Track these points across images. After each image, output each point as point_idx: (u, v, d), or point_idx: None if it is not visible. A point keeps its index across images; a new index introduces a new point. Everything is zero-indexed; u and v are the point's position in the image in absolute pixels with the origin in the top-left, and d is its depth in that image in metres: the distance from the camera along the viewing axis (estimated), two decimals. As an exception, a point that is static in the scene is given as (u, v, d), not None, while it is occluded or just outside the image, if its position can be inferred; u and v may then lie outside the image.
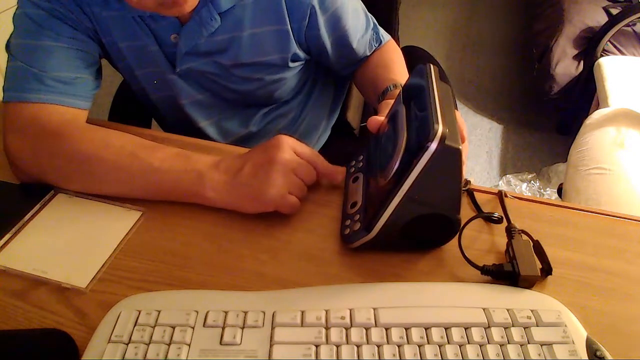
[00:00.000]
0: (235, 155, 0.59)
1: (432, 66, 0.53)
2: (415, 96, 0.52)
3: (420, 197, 0.48)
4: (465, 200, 0.61)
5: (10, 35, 0.67)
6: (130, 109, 0.97)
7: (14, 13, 0.67)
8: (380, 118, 0.59)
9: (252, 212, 0.57)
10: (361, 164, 0.62)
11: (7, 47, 0.67)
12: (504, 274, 0.50)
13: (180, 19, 0.70)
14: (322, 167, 0.60)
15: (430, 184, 0.47)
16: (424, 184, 0.46)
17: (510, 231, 0.54)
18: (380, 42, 0.84)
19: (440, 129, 0.44)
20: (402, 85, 0.58)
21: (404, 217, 0.50)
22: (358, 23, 0.80)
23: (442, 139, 0.44)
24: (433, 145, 0.44)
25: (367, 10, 0.83)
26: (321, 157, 0.61)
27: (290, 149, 0.58)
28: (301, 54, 0.79)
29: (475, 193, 0.61)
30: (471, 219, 0.56)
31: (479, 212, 0.59)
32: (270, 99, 0.86)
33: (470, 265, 0.52)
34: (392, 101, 0.63)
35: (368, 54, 0.83)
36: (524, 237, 0.54)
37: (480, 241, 0.56)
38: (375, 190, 0.53)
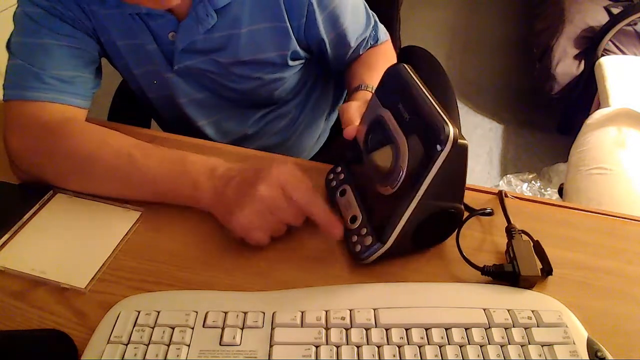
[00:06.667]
0: (234, 165, 0.57)
1: (407, 66, 0.53)
2: (401, 98, 0.51)
3: (433, 198, 0.47)
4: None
5: (11, 34, 0.67)
6: (129, 108, 0.97)
7: (14, 12, 0.67)
8: (355, 125, 0.58)
9: (226, 226, 0.54)
10: (342, 175, 0.60)
11: (8, 45, 0.67)
12: (505, 274, 0.50)
13: (178, 17, 0.70)
14: (317, 215, 0.53)
15: (442, 183, 0.46)
16: (437, 185, 0.46)
17: (510, 231, 0.54)
18: (377, 41, 0.84)
19: (451, 130, 0.43)
20: (374, 89, 0.57)
21: (416, 221, 0.49)
22: (357, 22, 0.80)
23: (455, 139, 0.43)
24: (447, 148, 0.43)
25: (368, 8, 0.82)
26: (321, 202, 0.53)
27: (278, 185, 0.52)
28: (301, 52, 0.78)
29: (474, 193, 0.61)
30: (465, 219, 0.55)
31: (472, 211, 0.57)
32: (270, 99, 0.86)
33: (471, 266, 0.51)
34: (352, 103, 0.62)
35: (361, 52, 0.83)
36: (524, 237, 0.54)
37: (481, 241, 0.56)
38: (379, 200, 0.51)
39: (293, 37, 0.74)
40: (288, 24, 0.72)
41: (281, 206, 0.52)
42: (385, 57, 0.84)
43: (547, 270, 0.51)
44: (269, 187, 0.52)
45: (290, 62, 0.78)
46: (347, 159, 0.60)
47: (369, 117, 0.56)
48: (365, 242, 0.51)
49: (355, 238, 0.53)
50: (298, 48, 0.77)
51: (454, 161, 0.45)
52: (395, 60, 0.84)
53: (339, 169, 0.61)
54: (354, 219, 0.54)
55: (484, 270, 0.51)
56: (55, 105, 0.64)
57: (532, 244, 0.53)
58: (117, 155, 0.58)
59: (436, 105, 0.46)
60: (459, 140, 0.44)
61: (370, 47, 0.84)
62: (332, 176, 0.61)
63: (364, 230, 0.52)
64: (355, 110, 0.60)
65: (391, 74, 0.54)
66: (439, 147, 0.44)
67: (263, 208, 0.52)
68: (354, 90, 0.73)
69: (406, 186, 0.47)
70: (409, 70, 0.52)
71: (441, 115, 0.45)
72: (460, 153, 0.45)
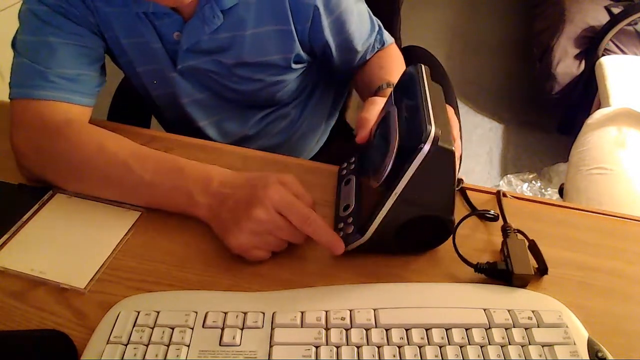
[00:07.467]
0: (230, 176, 0.56)
1: (423, 66, 0.53)
2: (406, 97, 0.51)
3: (413, 199, 0.47)
4: (460, 199, 0.60)
5: (16, 32, 0.67)
6: (129, 108, 0.96)
7: (19, 9, 0.67)
8: (367, 130, 0.58)
9: (223, 242, 0.53)
10: (353, 166, 0.61)
11: (13, 43, 0.67)
12: (498, 272, 0.50)
13: (184, 17, 0.70)
14: (315, 235, 0.51)
15: (423, 185, 0.46)
16: (417, 185, 0.46)
17: (505, 230, 0.54)
18: (383, 44, 0.84)
19: (432, 130, 0.44)
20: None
21: (397, 220, 0.49)
22: (363, 27, 0.80)
23: (435, 140, 0.43)
24: (426, 147, 0.44)
25: (372, 14, 0.82)
26: (319, 221, 0.51)
27: (274, 207, 0.50)
28: (304, 56, 0.78)
29: (473, 193, 0.61)
30: (465, 216, 0.55)
31: (474, 210, 0.58)
32: (271, 101, 0.86)
33: (463, 262, 0.51)
34: (379, 98, 0.62)
35: (368, 57, 0.83)
36: (519, 236, 0.54)
37: (477, 240, 0.56)
38: (368, 193, 0.53)
39: (297, 40, 0.74)
40: (293, 27, 0.72)
41: (280, 227, 0.51)
42: (397, 57, 0.85)
43: (542, 269, 0.51)
44: (265, 210, 0.50)
45: (294, 65, 0.78)
46: (361, 150, 0.61)
47: (382, 112, 0.57)
48: (347, 230, 0.53)
49: (341, 225, 0.54)
50: (301, 52, 0.77)
51: (436, 164, 0.45)
52: (403, 61, 0.85)
53: (353, 159, 0.63)
54: (346, 207, 0.56)
55: (477, 267, 0.51)
56: (60, 104, 0.64)
57: (526, 243, 0.53)
58: (113, 163, 0.58)
59: (430, 107, 0.46)
60: (442, 144, 0.44)
61: (377, 50, 0.84)
62: (345, 165, 0.63)
63: (350, 219, 0.54)
64: (370, 104, 0.61)
65: (406, 73, 0.55)
66: (419, 147, 0.44)
67: (261, 230, 0.51)
68: (375, 92, 0.73)
69: (388, 182, 0.47)
70: (420, 70, 0.52)
71: (429, 117, 0.45)
72: (443, 156, 0.44)
